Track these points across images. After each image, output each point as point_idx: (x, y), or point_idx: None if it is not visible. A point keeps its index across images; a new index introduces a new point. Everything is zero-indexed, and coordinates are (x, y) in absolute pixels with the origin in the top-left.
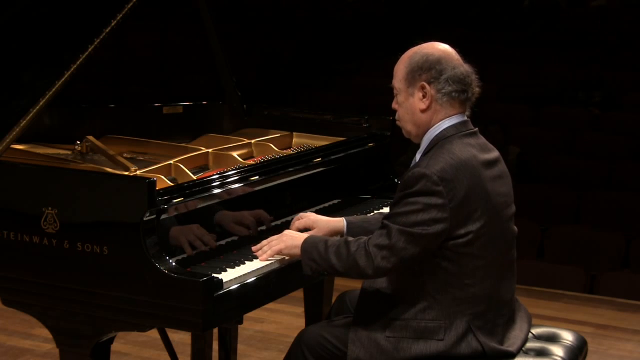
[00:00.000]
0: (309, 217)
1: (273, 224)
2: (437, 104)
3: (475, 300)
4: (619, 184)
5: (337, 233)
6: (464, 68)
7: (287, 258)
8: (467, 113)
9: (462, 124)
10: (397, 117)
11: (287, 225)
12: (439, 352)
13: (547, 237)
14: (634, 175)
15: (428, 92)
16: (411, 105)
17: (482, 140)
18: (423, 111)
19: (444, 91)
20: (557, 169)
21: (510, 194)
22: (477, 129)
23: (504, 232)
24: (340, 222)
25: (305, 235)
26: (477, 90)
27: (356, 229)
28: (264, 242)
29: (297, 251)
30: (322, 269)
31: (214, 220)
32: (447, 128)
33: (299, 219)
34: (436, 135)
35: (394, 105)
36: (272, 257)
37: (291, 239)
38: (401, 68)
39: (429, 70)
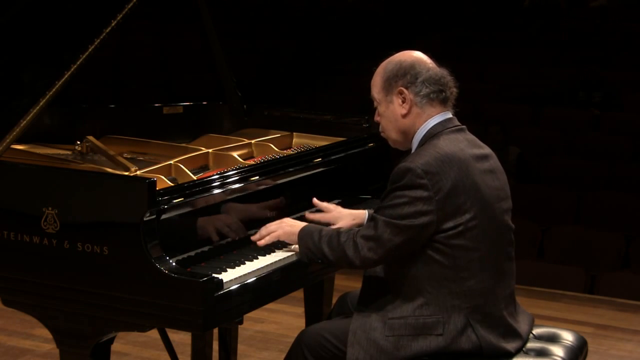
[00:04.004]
0: (332, 213)
1: None
2: (417, 107)
3: (472, 293)
4: (619, 184)
5: (359, 224)
6: (438, 69)
7: (293, 247)
8: (452, 111)
9: (447, 120)
10: (380, 128)
11: None
12: (439, 347)
13: (547, 237)
14: (634, 175)
15: (406, 96)
16: (392, 112)
17: (470, 136)
18: (404, 116)
19: (421, 93)
20: (557, 169)
21: (503, 188)
22: (464, 126)
23: (498, 224)
24: (362, 214)
25: (304, 223)
26: (454, 90)
27: None
28: (262, 228)
29: (294, 238)
30: (316, 258)
31: (215, 220)
32: (433, 126)
33: (324, 210)
34: (424, 134)
35: (376, 118)
36: (270, 242)
37: (289, 227)
38: (377, 79)
39: (404, 75)
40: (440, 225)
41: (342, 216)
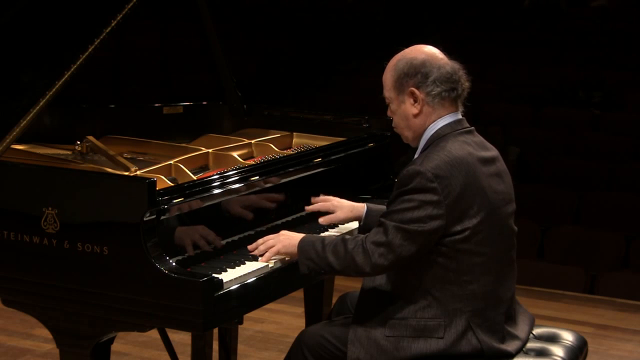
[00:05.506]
0: (332, 202)
1: (273, 223)
2: (428, 107)
3: (474, 297)
4: (619, 184)
5: (357, 217)
6: (450, 66)
7: (286, 258)
8: (461, 110)
9: (456, 122)
10: (393, 124)
11: (286, 225)
12: (439, 350)
13: (547, 237)
14: (634, 175)
15: (418, 96)
16: (404, 111)
17: (478, 138)
18: (416, 115)
19: (433, 93)
20: (557, 169)
21: (509, 191)
22: (473, 127)
23: (502, 228)
24: (362, 208)
25: (302, 234)
26: (466, 85)
27: (374, 217)
28: (259, 241)
29: (294, 250)
30: (319, 268)
31: (213, 220)
32: (442, 127)
33: (322, 201)
34: (432, 135)
35: (389, 114)
36: (270, 257)
37: (287, 239)
38: (388, 77)
39: (415, 75)
40: (447, 229)
41: (341, 206)
